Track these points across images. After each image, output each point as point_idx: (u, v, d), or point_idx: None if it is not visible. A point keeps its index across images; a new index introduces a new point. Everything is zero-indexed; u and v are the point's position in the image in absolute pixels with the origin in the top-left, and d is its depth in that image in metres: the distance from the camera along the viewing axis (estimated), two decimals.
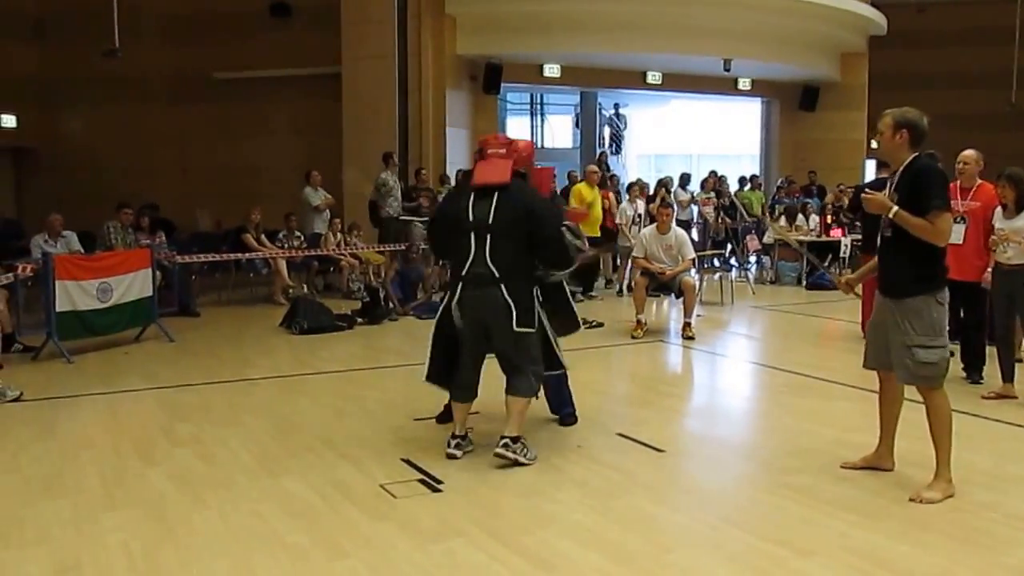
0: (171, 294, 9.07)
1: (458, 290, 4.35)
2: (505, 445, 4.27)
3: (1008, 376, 5.62)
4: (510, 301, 4.24)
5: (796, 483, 4.07)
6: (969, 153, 6.03)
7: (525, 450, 4.33)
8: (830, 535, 3.48)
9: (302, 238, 10.71)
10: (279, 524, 3.60)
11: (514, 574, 3.16)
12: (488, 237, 4.26)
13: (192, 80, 14.02)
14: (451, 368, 4.49)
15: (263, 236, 10.49)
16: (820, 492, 3.94)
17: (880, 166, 8.09)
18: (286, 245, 10.50)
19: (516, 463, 4.26)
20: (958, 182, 5.99)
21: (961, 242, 5.77)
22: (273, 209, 10.99)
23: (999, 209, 5.64)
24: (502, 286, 4.25)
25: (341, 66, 13.09)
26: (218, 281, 10.71)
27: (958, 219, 5.78)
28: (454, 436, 4.47)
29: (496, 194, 4.30)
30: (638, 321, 8.03)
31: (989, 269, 5.78)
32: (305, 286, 10.78)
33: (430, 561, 3.27)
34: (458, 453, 4.41)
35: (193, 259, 9.74)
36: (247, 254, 10.24)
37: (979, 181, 5.97)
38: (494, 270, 4.25)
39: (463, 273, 4.32)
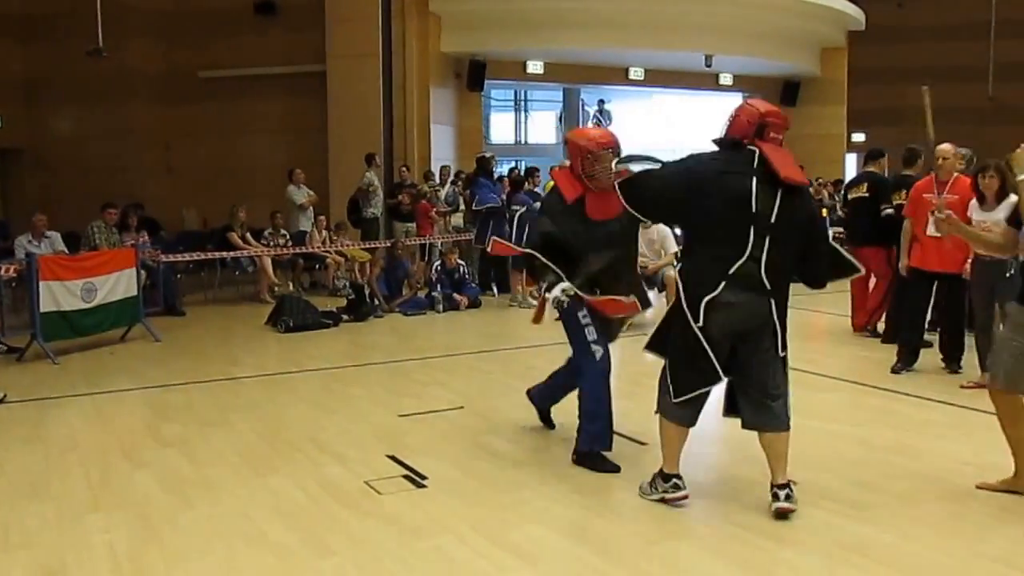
0: (157, 293, 9.03)
1: (719, 288, 3.49)
2: (787, 496, 3.59)
3: (986, 366, 5.65)
4: (776, 319, 3.54)
5: None
6: (946, 147, 6.06)
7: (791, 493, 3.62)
8: (815, 525, 3.51)
9: (287, 236, 10.69)
10: (265, 523, 3.60)
11: (499, 569, 3.18)
12: (767, 238, 3.47)
13: (177, 79, 13.94)
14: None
15: (248, 235, 10.46)
16: (805, 483, 3.95)
17: (868, 160, 8.01)
18: (271, 243, 10.47)
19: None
20: (935, 175, 6.07)
21: (941, 235, 5.86)
22: (259, 207, 10.96)
23: (973, 201, 5.64)
24: (772, 300, 3.52)
25: (326, 64, 13.05)
26: (204, 280, 10.67)
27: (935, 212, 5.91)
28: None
29: (780, 191, 3.50)
30: None
31: (969, 260, 5.81)
32: (291, 284, 10.76)
33: (416, 557, 3.27)
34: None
35: (178, 258, 9.70)
36: (233, 253, 10.20)
37: (956, 174, 6.03)
38: (765, 279, 3.49)
39: (730, 271, 3.49)
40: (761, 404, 3.59)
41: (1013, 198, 5.24)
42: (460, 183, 11.74)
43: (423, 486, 4.01)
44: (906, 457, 4.33)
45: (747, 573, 3.13)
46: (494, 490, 3.95)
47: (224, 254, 10.22)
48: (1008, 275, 5.32)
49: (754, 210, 3.47)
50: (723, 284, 3.49)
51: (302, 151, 12.86)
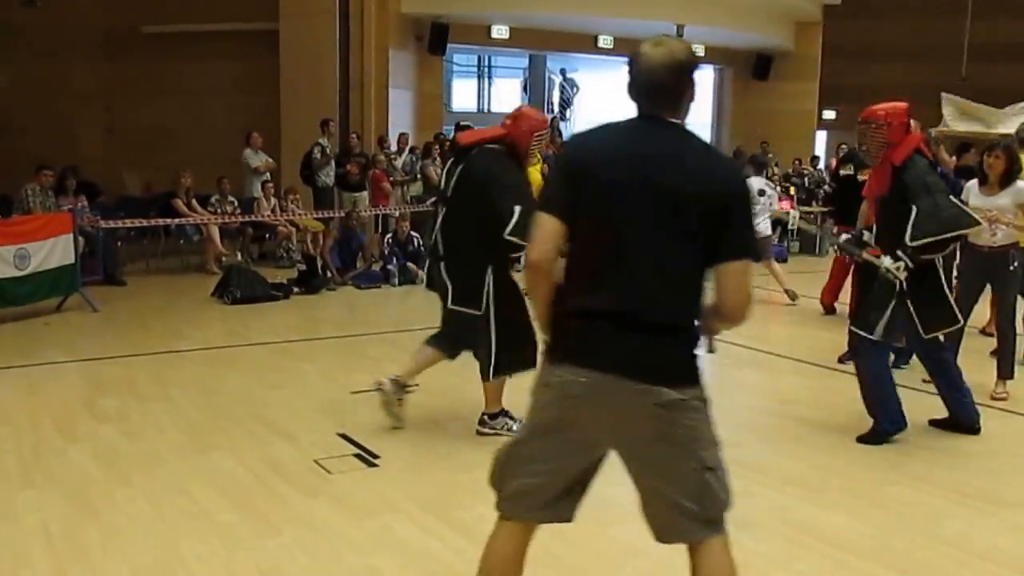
0: (95, 262, 8.71)
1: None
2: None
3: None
4: (447, 277, 4.12)
5: (736, 456, 3.98)
6: None
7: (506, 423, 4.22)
8: (769, 508, 3.50)
9: (236, 203, 10.37)
10: (208, 502, 3.50)
11: (451, 550, 3.12)
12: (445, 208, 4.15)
13: (119, 34, 13.36)
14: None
15: (194, 201, 10.12)
16: (761, 465, 3.96)
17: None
18: (219, 210, 10.14)
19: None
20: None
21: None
22: (206, 172, 10.58)
23: (973, 184, 5.19)
24: (442, 262, 4.15)
25: (279, 22, 12.64)
26: (146, 248, 10.34)
27: None
28: None
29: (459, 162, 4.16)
30: None
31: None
32: (239, 254, 10.46)
33: (365, 537, 3.20)
34: None
35: (119, 224, 9.37)
36: (177, 220, 9.88)
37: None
38: (440, 246, 4.17)
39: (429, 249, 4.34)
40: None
41: (1020, 183, 4.97)
42: (420, 152, 11.52)
43: (375, 465, 3.92)
44: (853, 434, 4.34)
45: None
46: (447, 470, 3.87)
47: (168, 221, 9.88)
48: (1012, 267, 5.02)
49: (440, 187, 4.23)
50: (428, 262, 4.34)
51: (252, 114, 12.44)
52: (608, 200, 2.04)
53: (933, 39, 17.59)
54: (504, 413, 4.27)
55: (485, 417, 4.28)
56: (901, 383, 5.30)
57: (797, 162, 14.23)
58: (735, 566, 2.21)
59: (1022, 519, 3.45)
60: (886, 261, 4.10)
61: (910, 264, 4.05)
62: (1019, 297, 5.42)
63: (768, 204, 9.16)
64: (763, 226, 8.95)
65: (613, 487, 3.65)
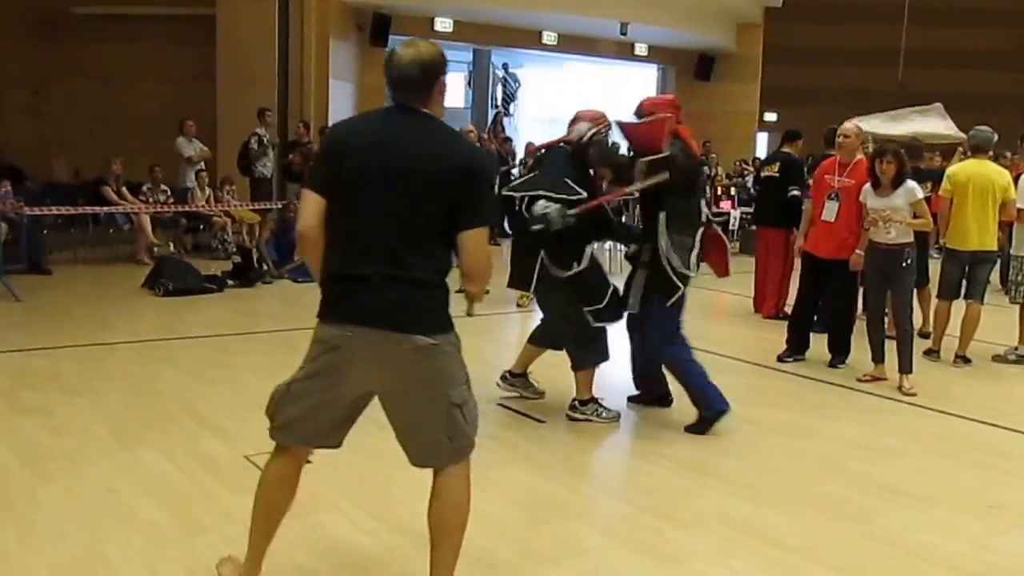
0: (19, 249, 8.39)
1: None
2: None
3: (879, 357, 5.50)
4: None
5: (676, 455, 4.11)
6: (850, 126, 5.77)
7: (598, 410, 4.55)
8: (707, 506, 3.53)
9: (168, 192, 10.08)
10: (134, 500, 3.39)
11: (386, 548, 3.07)
12: None
13: (48, 14, 12.86)
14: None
15: (124, 189, 9.79)
16: (700, 464, 3.99)
17: (785, 140, 7.74)
18: (151, 199, 9.84)
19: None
20: (837, 157, 5.83)
21: (833, 219, 5.67)
22: (139, 160, 10.27)
23: (867, 187, 5.40)
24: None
25: (215, 7, 12.33)
26: (74, 237, 9.94)
27: (832, 195, 5.72)
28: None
29: None
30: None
31: (859, 251, 5.49)
32: (172, 245, 10.17)
33: (297, 536, 3.12)
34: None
35: (45, 211, 9.00)
36: (107, 208, 9.55)
37: (859, 156, 5.77)
38: None
39: None
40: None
41: (910, 184, 5.29)
42: None
43: (308, 461, 3.82)
44: (798, 439, 4.43)
45: (637, 553, 3.11)
46: (382, 466, 3.79)
47: (97, 209, 9.54)
48: (904, 264, 5.27)
49: None
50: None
51: (187, 101, 12.11)
52: (354, 176, 2.38)
53: (871, 44, 18.02)
54: (594, 400, 4.55)
55: (576, 403, 4.54)
56: (838, 382, 5.51)
57: (739, 163, 14.53)
58: (469, 488, 2.65)
59: (953, 517, 3.54)
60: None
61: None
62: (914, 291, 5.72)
63: None
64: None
65: (550, 484, 3.69)
